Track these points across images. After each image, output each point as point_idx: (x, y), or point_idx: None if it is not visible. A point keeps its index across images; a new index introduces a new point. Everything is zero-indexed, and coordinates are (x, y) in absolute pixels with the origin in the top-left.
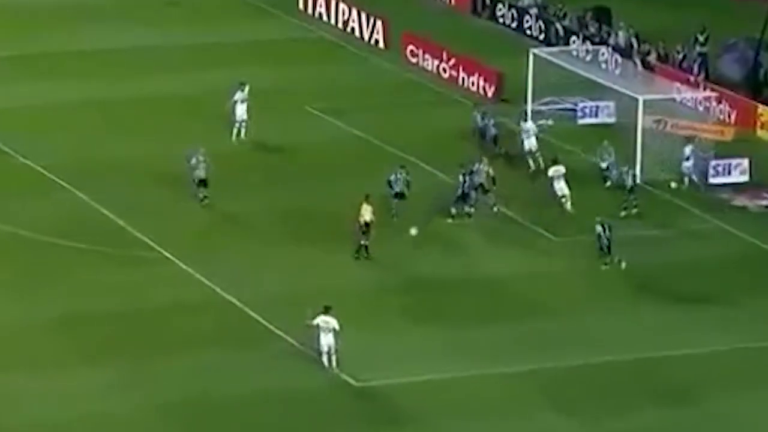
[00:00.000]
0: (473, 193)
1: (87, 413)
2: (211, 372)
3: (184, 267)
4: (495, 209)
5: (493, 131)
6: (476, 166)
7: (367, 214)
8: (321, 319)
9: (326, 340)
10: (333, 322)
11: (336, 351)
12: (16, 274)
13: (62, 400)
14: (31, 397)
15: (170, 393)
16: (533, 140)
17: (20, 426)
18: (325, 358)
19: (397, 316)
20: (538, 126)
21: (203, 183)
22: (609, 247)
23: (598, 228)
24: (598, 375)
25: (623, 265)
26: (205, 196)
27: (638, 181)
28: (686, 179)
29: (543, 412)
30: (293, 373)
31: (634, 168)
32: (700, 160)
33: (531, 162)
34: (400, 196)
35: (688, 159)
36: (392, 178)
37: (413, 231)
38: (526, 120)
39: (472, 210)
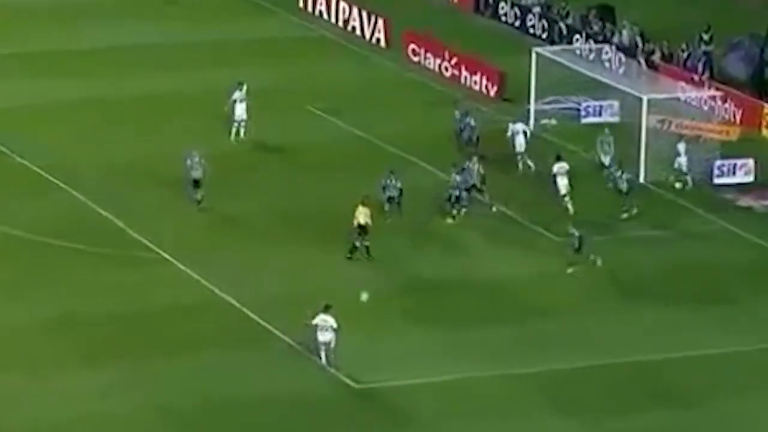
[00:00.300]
0: (465, 194)
1: (86, 414)
2: (210, 373)
3: (183, 268)
4: (494, 209)
5: (469, 132)
6: (466, 164)
7: (361, 216)
8: (320, 318)
9: (324, 338)
10: (331, 321)
11: (333, 350)
12: (15, 274)
13: (62, 400)
14: (30, 397)
15: (170, 394)
16: (522, 142)
17: (20, 426)
18: (323, 355)
19: (398, 317)
20: (542, 125)
21: (197, 184)
22: (579, 250)
23: (573, 231)
24: (600, 376)
25: (599, 262)
26: (201, 198)
27: (642, 181)
28: (689, 179)
29: (544, 413)
30: (293, 374)
31: (629, 170)
32: (703, 159)
33: (520, 165)
34: (392, 200)
35: (680, 156)
36: (384, 183)
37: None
38: (515, 122)
39: (464, 210)
